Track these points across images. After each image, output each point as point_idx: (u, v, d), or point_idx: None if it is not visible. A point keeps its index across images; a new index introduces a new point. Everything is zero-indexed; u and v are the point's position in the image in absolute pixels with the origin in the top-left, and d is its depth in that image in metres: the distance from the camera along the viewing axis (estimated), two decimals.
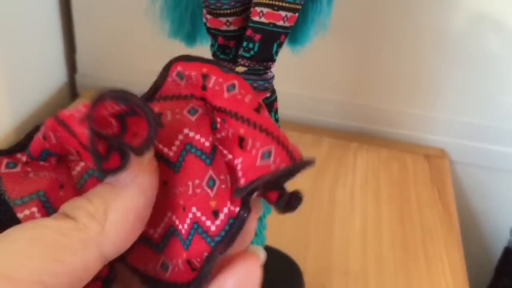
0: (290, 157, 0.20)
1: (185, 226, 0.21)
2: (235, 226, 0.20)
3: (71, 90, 0.82)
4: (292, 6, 0.39)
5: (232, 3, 0.39)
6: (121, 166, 0.19)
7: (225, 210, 0.21)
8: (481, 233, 0.79)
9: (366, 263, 0.58)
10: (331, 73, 0.75)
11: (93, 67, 0.80)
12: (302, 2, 0.40)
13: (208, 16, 0.40)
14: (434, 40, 0.70)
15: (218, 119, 0.21)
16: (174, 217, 0.21)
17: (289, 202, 0.21)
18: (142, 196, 0.20)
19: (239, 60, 0.40)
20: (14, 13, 0.68)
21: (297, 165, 0.20)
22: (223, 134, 0.21)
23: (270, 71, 0.41)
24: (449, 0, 0.67)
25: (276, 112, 0.42)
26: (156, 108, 0.22)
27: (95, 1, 0.76)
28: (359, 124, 0.77)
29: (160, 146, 0.21)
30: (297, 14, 0.40)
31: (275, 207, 0.21)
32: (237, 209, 0.21)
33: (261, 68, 0.40)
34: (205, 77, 0.22)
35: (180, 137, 0.22)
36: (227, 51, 0.41)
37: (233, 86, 0.22)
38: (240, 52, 0.40)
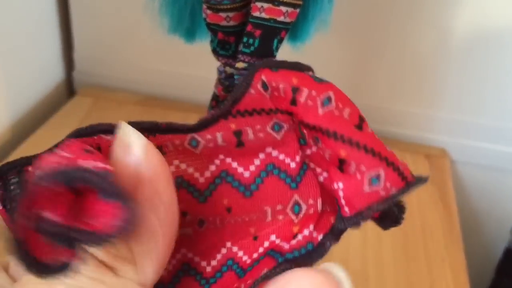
0: (402, 178, 0.18)
1: (254, 255, 0.18)
2: (315, 254, 0.18)
3: (69, 88, 0.81)
4: (293, 1, 0.38)
5: None
6: (63, 267, 0.15)
7: (305, 232, 0.18)
8: (482, 233, 0.79)
9: (366, 263, 0.57)
10: (331, 71, 0.74)
11: (91, 65, 0.80)
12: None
13: (208, 11, 0.40)
14: (436, 39, 0.69)
15: (310, 139, 0.18)
16: (236, 248, 0.18)
17: (396, 218, 0.18)
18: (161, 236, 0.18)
19: (239, 56, 0.39)
20: (11, 9, 0.67)
21: (410, 186, 0.18)
22: (314, 149, 0.18)
23: None
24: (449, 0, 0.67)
25: None
26: (233, 125, 0.19)
27: None
28: None
29: (234, 165, 0.19)
30: (298, 10, 0.39)
31: (380, 225, 0.18)
32: (320, 236, 0.18)
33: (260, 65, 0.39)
34: (295, 90, 0.19)
35: (262, 155, 0.18)
36: (227, 46, 0.41)
37: (329, 99, 0.18)
38: (240, 48, 0.39)
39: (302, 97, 0.18)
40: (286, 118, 0.19)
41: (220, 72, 0.43)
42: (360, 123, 0.18)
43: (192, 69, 0.76)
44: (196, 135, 0.19)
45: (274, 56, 0.40)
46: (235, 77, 0.39)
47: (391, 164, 0.17)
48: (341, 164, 0.17)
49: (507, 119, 0.72)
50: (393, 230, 0.61)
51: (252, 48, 0.38)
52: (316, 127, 0.18)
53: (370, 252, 0.58)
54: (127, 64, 0.79)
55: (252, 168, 0.18)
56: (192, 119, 0.78)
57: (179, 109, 0.77)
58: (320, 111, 0.18)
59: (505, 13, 0.67)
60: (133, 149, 0.19)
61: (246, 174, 0.18)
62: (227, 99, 0.21)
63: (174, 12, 0.44)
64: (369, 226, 0.61)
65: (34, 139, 0.68)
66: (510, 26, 0.67)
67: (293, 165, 0.18)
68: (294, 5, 0.38)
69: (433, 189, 0.68)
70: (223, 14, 0.39)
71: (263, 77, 0.19)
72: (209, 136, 0.18)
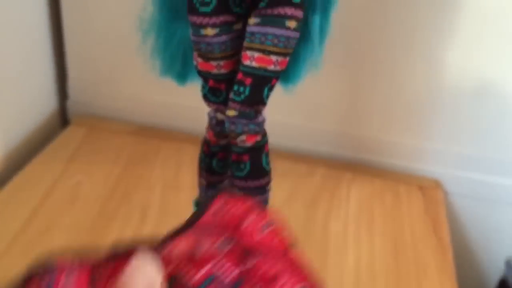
0: None
1: None
2: None
3: (62, 117, 0.81)
4: (284, 50, 0.38)
5: (223, 47, 0.39)
6: None
7: None
8: (476, 264, 0.79)
9: None
10: (324, 102, 0.75)
11: (85, 94, 0.80)
12: (293, 46, 0.39)
13: (199, 59, 0.40)
14: (428, 72, 0.70)
15: (248, 258, 0.22)
16: None
17: None
18: None
19: (230, 103, 0.39)
20: (5, 39, 0.67)
21: None
22: (250, 266, 0.22)
23: (261, 115, 0.40)
24: (443, 32, 0.67)
25: (267, 155, 0.42)
26: (190, 238, 0.23)
27: (86, 29, 0.76)
28: (353, 154, 0.77)
29: (181, 274, 0.22)
30: (288, 58, 0.40)
31: None
32: None
33: (252, 112, 0.39)
34: (242, 217, 0.23)
35: (208, 266, 0.22)
36: (217, 93, 0.41)
37: (268, 225, 0.23)
38: (231, 95, 0.39)
39: (246, 222, 0.23)
40: (233, 237, 0.23)
41: (211, 118, 0.43)
42: (288, 247, 0.23)
43: (186, 100, 0.76)
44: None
45: (265, 104, 0.40)
46: (226, 125, 0.39)
47: (311, 280, 0.23)
48: (271, 281, 0.22)
49: (501, 150, 0.72)
50: (387, 265, 0.61)
51: (243, 96, 0.39)
52: (254, 248, 0.22)
53: None
54: (121, 94, 0.79)
55: (196, 277, 0.22)
56: (185, 149, 0.77)
57: (172, 139, 0.77)
58: (259, 235, 0.23)
59: (498, 46, 0.67)
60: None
61: (190, 283, 0.22)
62: (186, 220, 0.26)
63: (165, 57, 0.45)
64: (363, 262, 0.61)
65: (27, 172, 0.68)
66: (502, 59, 0.68)
67: (231, 277, 0.22)
68: (284, 54, 0.39)
69: (427, 221, 0.68)
70: (213, 63, 0.39)
71: (220, 202, 0.25)
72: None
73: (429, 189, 0.73)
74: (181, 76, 0.46)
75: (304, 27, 0.41)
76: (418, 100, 0.72)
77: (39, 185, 0.66)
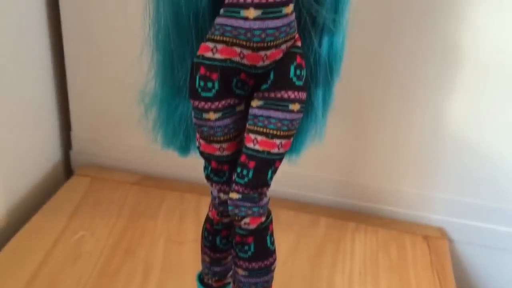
0: None
1: None
2: None
3: (66, 168, 0.81)
4: (287, 133, 0.38)
5: (226, 130, 0.39)
6: None
7: None
8: None
9: None
10: (327, 151, 0.75)
11: (88, 144, 0.80)
12: (297, 126, 0.39)
13: (201, 141, 0.40)
14: (430, 122, 0.70)
15: None
16: None
17: None
18: None
19: (233, 185, 0.39)
20: (9, 90, 0.67)
21: None
22: None
23: (266, 196, 0.40)
24: (444, 84, 0.67)
25: (271, 234, 0.41)
26: None
27: (90, 80, 0.76)
28: (356, 202, 0.76)
29: None
30: (292, 139, 0.39)
31: None
32: None
33: (255, 195, 0.39)
34: None
35: None
36: (220, 174, 0.41)
37: None
38: (234, 177, 0.39)
39: None
40: None
41: (214, 197, 0.43)
42: None
43: None
44: None
45: (269, 185, 0.40)
46: (229, 208, 0.39)
47: None
48: None
49: (505, 199, 0.72)
50: None
51: (246, 179, 0.39)
52: None
53: None
54: (124, 144, 0.79)
55: None
56: (188, 199, 0.77)
57: (175, 189, 0.77)
58: None
59: (498, 95, 0.67)
60: None
61: None
62: None
63: (168, 130, 0.45)
64: None
65: (29, 229, 0.68)
66: (504, 108, 0.68)
67: None
68: (288, 137, 0.39)
69: (433, 274, 0.67)
70: (216, 145, 0.39)
71: None
72: None
73: (434, 238, 0.73)
74: (184, 149, 0.46)
75: (307, 100, 0.41)
76: (421, 150, 0.72)
77: (41, 243, 0.65)
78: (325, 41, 0.42)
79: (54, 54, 0.75)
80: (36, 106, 0.74)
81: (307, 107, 0.43)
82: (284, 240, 0.70)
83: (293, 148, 0.46)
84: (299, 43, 0.38)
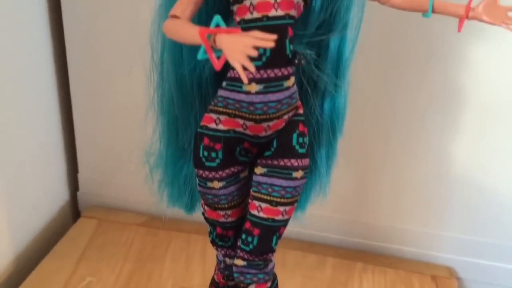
0: None
1: None
2: None
3: (73, 209, 0.82)
4: (291, 200, 0.39)
5: (230, 198, 0.39)
6: None
7: None
8: None
9: None
10: (334, 191, 0.75)
11: (95, 186, 0.80)
12: (301, 192, 0.40)
13: (206, 208, 0.40)
14: (435, 162, 0.70)
15: None
16: None
17: None
18: None
19: (238, 251, 0.39)
20: (17, 134, 0.68)
21: None
22: None
23: (271, 261, 0.40)
24: (446, 126, 0.67)
25: None
26: None
27: (96, 121, 0.77)
28: (364, 241, 0.76)
29: None
30: (296, 204, 0.40)
31: None
32: None
33: (260, 262, 0.39)
34: None
35: None
36: (225, 239, 0.41)
37: None
38: (239, 243, 0.39)
39: None
40: None
41: (219, 261, 0.43)
42: None
43: None
44: None
45: (274, 251, 0.40)
46: (234, 274, 0.39)
47: None
48: None
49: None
50: None
51: (251, 246, 0.39)
52: None
53: None
54: (130, 185, 0.79)
55: None
56: (194, 240, 0.77)
57: (182, 230, 0.77)
58: None
59: (501, 135, 0.67)
60: None
61: None
62: None
63: (173, 190, 0.45)
64: None
65: (39, 272, 0.68)
66: (508, 148, 0.68)
67: None
68: (292, 203, 0.39)
69: None
70: (221, 212, 0.39)
71: None
72: None
73: (442, 278, 0.72)
74: (189, 207, 0.46)
75: (311, 158, 0.41)
76: (427, 189, 0.72)
77: None
78: (327, 103, 0.42)
79: (62, 98, 0.76)
80: (44, 149, 0.75)
81: (311, 165, 0.43)
82: (291, 283, 0.69)
83: (298, 205, 0.46)
84: (301, 111, 0.39)
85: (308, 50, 0.40)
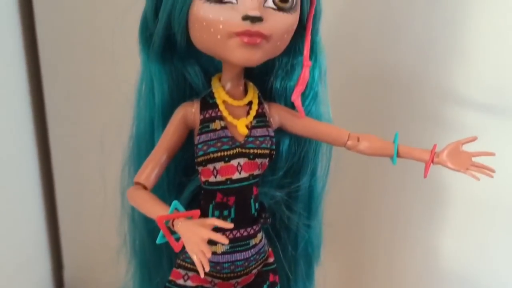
0: None
1: None
2: None
3: None
4: None
5: None
6: None
7: None
8: None
9: None
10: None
11: (81, 284, 0.79)
12: None
13: None
14: (424, 257, 0.69)
15: None
16: None
17: None
18: None
19: None
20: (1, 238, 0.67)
21: None
22: None
23: None
24: (433, 220, 0.67)
25: None
26: None
27: (82, 219, 0.77)
28: None
29: None
30: None
31: None
32: None
33: None
34: None
35: None
36: None
37: None
38: None
39: None
40: None
41: None
42: None
43: None
44: None
45: None
46: None
47: None
48: None
49: None
50: None
51: None
52: None
53: None
54: (116, 283, 0.78)
55: None
56: None
57: None
58: None
59: (489, 229, 0.67)
60: None
61: None
62: None
63: None
64: None
65: None
66: (496, 241, 0.67)
67: None
68: None
69: None
70: None
71: None
72: None
73: None
74: None
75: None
76: (418, 283, 0.71)
77: None
78: (301, 239, 0.42)
79: (46, 194, 0.76)
80: (28, 247, 0.74)
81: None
82: None
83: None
84: (271, 259, 0.39)
85: (278, 192, 0.40)
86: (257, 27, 0.31)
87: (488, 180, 0.64)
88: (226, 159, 0.34)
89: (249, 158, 0.35)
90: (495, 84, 0.59)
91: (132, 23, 0.38)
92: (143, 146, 0.38)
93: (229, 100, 0.36)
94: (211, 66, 0.38)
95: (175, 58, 0.37)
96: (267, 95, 0.39)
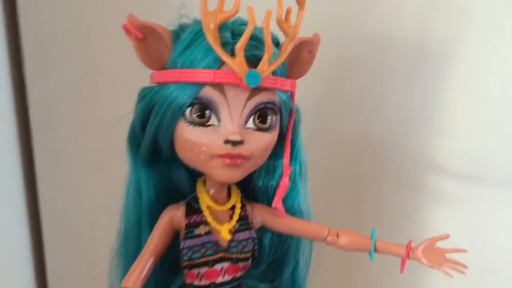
0: None
1: None
2: None
3: None
4: None
5: None
6: None
7: None
8: None
9: None
10: None
11: None
12: None
13: None
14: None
15: None
16: None
17: None
18: None
19: None
20: None
21: None
22: None
23: None
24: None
25: None
26: None
27: (69, 264, 0.78)
28: None
29: None
30: None
31: None
32: None
33: None
34: None
35: None
36: None
37: None
38: None
39: None
40: None
41: None
42: None
43: None
44: None
45: None
46: None
47: None
48: None
49: None
50: None
51: None
52: None
53: None
54: None
55: None
56: None
57: None
58: None
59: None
60: None
61: None
62: None
63: None
64: None
65: None
66: None
67: None
68: None
69: None
70: None
71: None
72: None
73: None
74: None
75: None
76: None
77: None
78: None
79: (32, 234, 0.77)
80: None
81: None
82: None
83: None
84: None
85: (262, 284, 0.41)
86: (238, 150, 0.34)
87: (472, 245, 0.65)
88: (210, 263, 0.36)
89: (232, 262, 0.37)
90: (475, 154, 0.61)
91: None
92: (130, 243, 0.39)
93: (213, 206, 0.37)
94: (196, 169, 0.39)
95: (162, 162, 0.38)
96: (250, 193, 0.41)
